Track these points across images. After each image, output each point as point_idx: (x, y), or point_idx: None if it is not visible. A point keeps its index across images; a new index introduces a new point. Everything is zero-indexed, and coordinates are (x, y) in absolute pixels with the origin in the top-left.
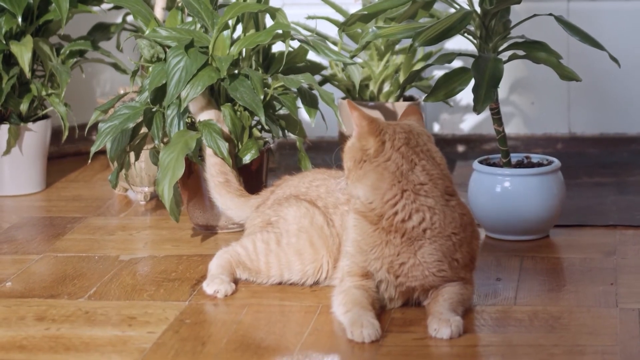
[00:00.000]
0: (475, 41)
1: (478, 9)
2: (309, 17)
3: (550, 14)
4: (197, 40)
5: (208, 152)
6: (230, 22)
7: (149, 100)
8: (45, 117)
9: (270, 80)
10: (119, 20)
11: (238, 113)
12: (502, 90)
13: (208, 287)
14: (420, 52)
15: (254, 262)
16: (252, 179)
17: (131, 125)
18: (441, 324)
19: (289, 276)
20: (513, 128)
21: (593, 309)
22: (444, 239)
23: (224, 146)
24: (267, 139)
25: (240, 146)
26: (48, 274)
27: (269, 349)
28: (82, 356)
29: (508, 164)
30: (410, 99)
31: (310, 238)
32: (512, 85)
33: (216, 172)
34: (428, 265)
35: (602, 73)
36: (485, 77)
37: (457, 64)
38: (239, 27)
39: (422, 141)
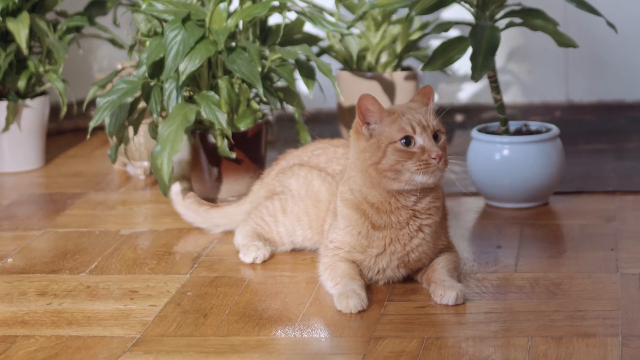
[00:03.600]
0: (471, 9)
1: None
2: None
3: None
4: (193, 13)
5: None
6: None
7: (146, 74)
8: (43, 93)
9: (267, 52)
10: None
11: (236, 86)
12: (500, 59)
13: (245, 256)
14: (417, 21)
15: (268, 232)
16: (249, 149)
17: (129, 99)
18: (446, 290)
19: (295, 241)
20: (511, 96)
21: (594, 275)
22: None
23: (223, 117)
24: (265, 111)
25: (236, 117)
26: (49, 250)
27: (271, 320)
28: (84, 330)
29: (507, 132)
30: (407, 68)
31: (306, 206)
32: (510, 54)
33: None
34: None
35: (599, 40)
36: (482, 45)
37: (453, 33)
38: (236, 0)
39: None
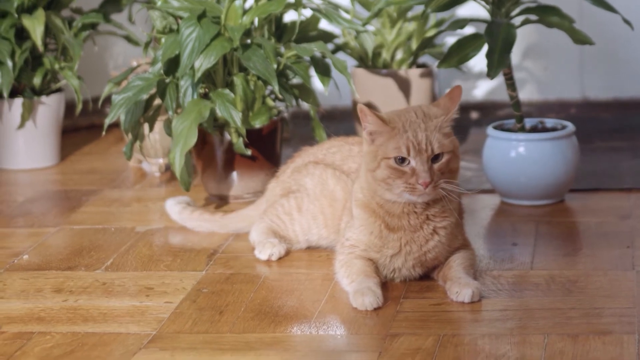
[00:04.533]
0: (487, 6)
1: None
2: None
3: None
4: (209, 10)
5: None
6: None
7: (162, 71)
8: (58, 90)
9: (283, 49)
10: None
11: (251, 83)
12: (515, 56)
13: (261, 253)
14: (433, 18)
15: (283, 230)
16: (264, 146)
17: (145, 96)
18: (462, 287)
19: (311, 239)
20: (526, 93)
21: (610, 272)
22: None
23: (237, 115)
24: (281, 108)
25: (251, 114)
26: (64, 247)
27: (286, 317)
28: (100, 327)
29: (522, 129)
30: (423, 66)
31: (322, 205)
32: (525, 51)
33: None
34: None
35: (615, 36)
36: (498, 42)
37: (469, 30)
38: None
39: None
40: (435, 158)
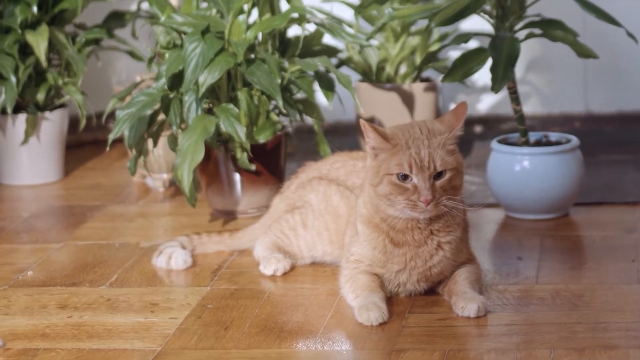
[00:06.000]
0: (491, 20)
1: None
2: (325, 0)
3: None
4: (213, 25)
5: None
6: (246, 7)
7: (166, 86)
8: (62, 106)
9: (286, 64)
10: (134, 7)
11: (255, 98)
12: (519, 70)
13: (266, 268)
14: (436, 33)
15: (288, 246)
16: (268, 161)
17: (149, 112)
18: (467, 302)
19: (315, 255)
20: (530, 107)
21: (615, 286)
22: None
23: (242, 130)
24: (285, 123)
25: (255, 129)
26: (69, 262)
27: (292, 332)
28: (105, 343)
29: (527, 143)
30: (426, 80)
31: (326, 222)
32: (529, 65)
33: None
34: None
35: (618, 50)
36: (502, 56)
37: (473, 44)
38: (255, 12)
39: None
40: (437, 175)
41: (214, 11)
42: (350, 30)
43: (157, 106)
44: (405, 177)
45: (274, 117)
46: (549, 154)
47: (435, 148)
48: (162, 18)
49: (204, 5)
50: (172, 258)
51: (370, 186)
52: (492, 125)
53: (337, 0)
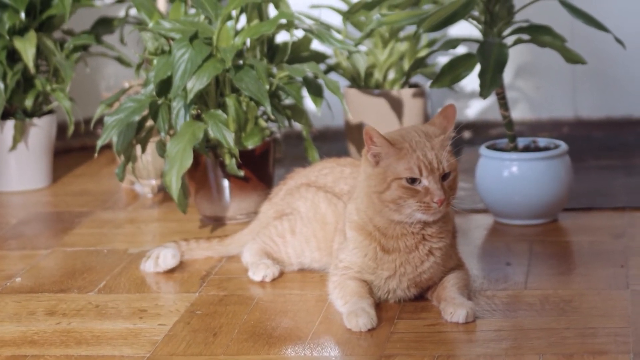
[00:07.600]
0: (479, 26)
1: None
2: (313, 6)
3: None
4: (201, 31)
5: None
6: (234, 13)
7: (154, 92)
8: (50, 112)
9: (275, 70)
10: (122, 13)
11: (243, 104)
12: (507, 75)
13: (254, 275)
14: (425, 38)
15: (276, 252)
16: (257, 167)
17: (137, 118)
18: (456, 307)
19: (304, 262)
20: (519, 113)
21: (604, 292)
22: None
23: (230, 136)
24: (273, 129)
25: (243, 135)
26: (57, 269)
27: (280, 338)
28: (93, 350)
29: (515, 149)
30: (415, 86)
31: (314, 229)
32: (517, 70)
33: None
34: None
35: (606, 55)
36: (490, 62)
37: (461, 50)
38: (243, 18)
39: None
40: (444, 176)
41: (202, 17)
42: (339, 36)
43: (145, 112)
44: (414, 181)
45: (262, 123)
46: (538, 159)
47: (439, 149)
48: (150, 24)
49: (192, 11)
50: (160, 257)
51: (374, 194)
52: (480, 131)
53: (325, 6)
